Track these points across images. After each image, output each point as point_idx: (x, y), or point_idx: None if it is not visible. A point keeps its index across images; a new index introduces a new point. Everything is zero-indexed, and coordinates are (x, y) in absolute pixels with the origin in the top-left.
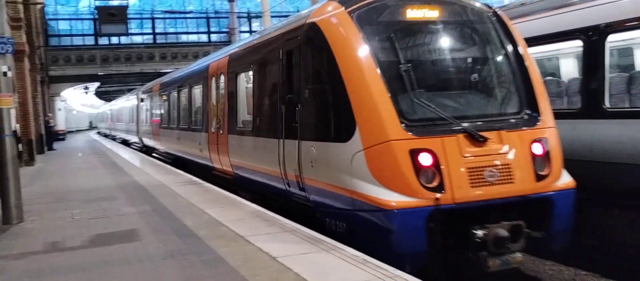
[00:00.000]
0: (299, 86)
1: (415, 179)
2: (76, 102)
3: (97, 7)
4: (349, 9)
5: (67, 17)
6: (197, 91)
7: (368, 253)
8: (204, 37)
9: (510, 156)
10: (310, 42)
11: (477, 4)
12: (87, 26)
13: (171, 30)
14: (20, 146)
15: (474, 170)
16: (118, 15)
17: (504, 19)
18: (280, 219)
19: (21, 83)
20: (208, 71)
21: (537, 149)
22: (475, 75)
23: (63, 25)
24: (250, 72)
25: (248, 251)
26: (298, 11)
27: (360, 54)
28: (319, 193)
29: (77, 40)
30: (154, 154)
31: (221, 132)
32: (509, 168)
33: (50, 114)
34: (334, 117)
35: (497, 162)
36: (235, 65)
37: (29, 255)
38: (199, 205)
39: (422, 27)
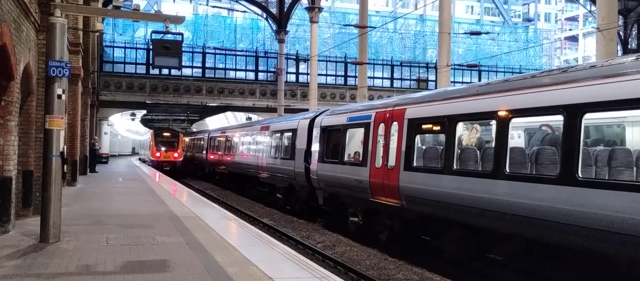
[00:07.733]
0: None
1: (156, 156)
2: (122, 127)
3: (152, 40)
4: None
5: (122, 45)
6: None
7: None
8: (250, 75)
9: (169, 154)
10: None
11: (179, 130)
12: (141, 55)
13: (220, 65)
14: (65, 167)
15: (165, 153)
16: (172, 49)
17: (182, 134)
18: (310, 263)
19: (73, 105)
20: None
21: (175, 154)
22: (170, 141)
23: (118, 53)
24: None
25: None
26: (345, 56)
27: (152, 137)
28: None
29: (129, 68)
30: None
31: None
32: (169, 156)
33: (96, 137)
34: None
35: (167, 154)
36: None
37: (62, 276)
38: (231, 242)
39: (165, 136)
